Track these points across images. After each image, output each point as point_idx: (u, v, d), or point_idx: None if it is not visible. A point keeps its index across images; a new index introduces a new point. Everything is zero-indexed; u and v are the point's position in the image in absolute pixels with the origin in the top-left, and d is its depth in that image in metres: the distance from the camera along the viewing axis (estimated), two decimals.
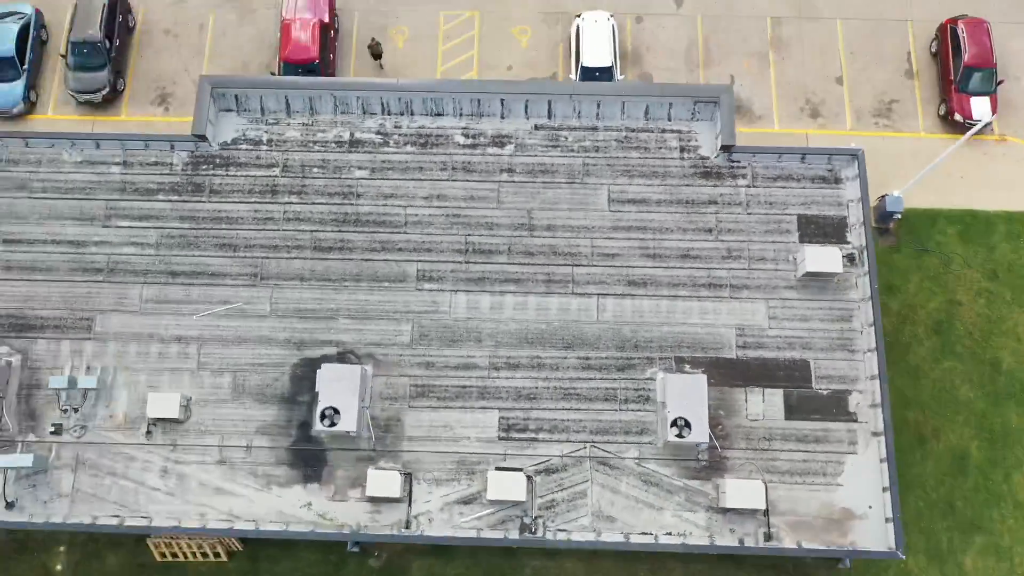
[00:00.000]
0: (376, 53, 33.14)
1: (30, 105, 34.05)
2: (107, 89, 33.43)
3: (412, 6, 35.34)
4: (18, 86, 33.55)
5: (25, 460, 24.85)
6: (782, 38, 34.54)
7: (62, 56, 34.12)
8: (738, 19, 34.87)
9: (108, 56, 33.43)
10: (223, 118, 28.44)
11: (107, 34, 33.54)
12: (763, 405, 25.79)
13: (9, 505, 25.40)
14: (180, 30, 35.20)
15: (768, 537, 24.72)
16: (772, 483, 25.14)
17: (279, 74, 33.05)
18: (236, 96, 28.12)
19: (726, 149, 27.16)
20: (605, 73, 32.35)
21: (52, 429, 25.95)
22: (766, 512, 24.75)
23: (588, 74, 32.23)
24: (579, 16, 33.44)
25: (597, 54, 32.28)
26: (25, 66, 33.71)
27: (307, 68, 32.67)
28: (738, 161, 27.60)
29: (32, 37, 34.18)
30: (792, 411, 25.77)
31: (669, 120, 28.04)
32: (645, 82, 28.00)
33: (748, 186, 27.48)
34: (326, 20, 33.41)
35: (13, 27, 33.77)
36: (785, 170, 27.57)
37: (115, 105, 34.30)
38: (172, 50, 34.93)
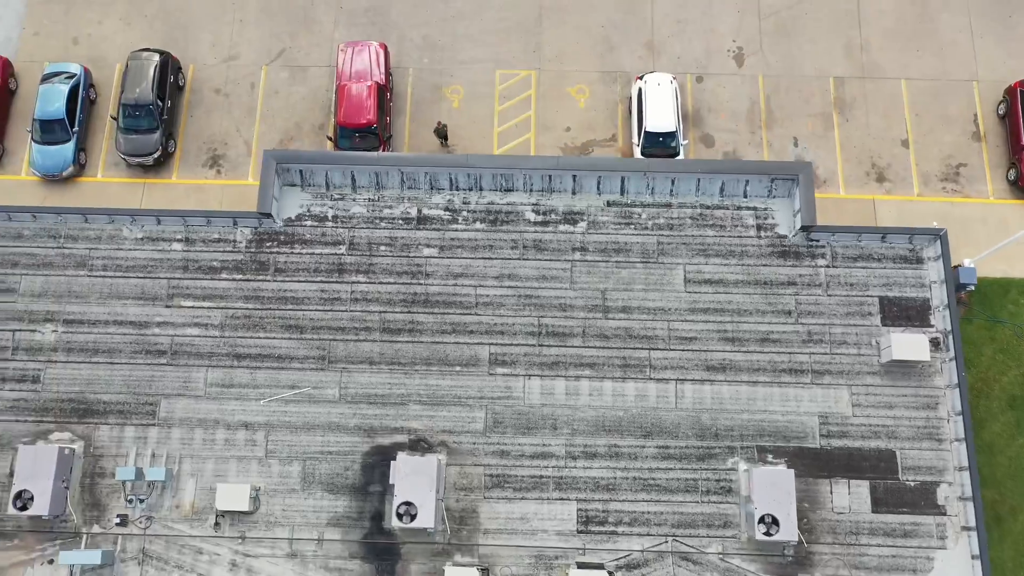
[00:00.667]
0: (442, 135, 32.47)
1: (79, 168, 33.37)
2: (159, 152, 32.73)
3: (467, 64, 34.68)
4: (68, 148, 32.87)
5: (93, 557, 24.15)
6: (845, 98, 33.89)
7: (113, 118, 33.41)
8: (800, 79, 34.23)
9: (160, 118, 32.73)
10: (287, 193, 27.75)
11: (159, 95, 32.85)
12: (849, 497, 25.16)
13: None
14: (231, 89, 34.51)
15: None
16: None
17: (335, 138, 32.39)
18: (301, 171, 27.46)
19: (805, 229, 26.56)
20: (669, 137, 31.70)
21: (118, 520, 25.25)
22: None
23: (652, 139, 31.58)
24: (641, 78, 32.75)
25: (661, 118, 31.62)
26: (75, 128, 33.02)
27: (364, 132, 31.99)
28: (817, 240, 26.96)
29: (81, 98, 33.49)
30: (879, 504, 25.11)
31: (745, 197, 27.39)
32: (722, 160, 27.40)
33: (828, 266, 26.83)
34: (382, 82, 32.72)
35: (63, 88, 33.07)
36: (865, 250, 26.94)
37: (166, 167, 33.60)
38: (223, 110, 34.24)
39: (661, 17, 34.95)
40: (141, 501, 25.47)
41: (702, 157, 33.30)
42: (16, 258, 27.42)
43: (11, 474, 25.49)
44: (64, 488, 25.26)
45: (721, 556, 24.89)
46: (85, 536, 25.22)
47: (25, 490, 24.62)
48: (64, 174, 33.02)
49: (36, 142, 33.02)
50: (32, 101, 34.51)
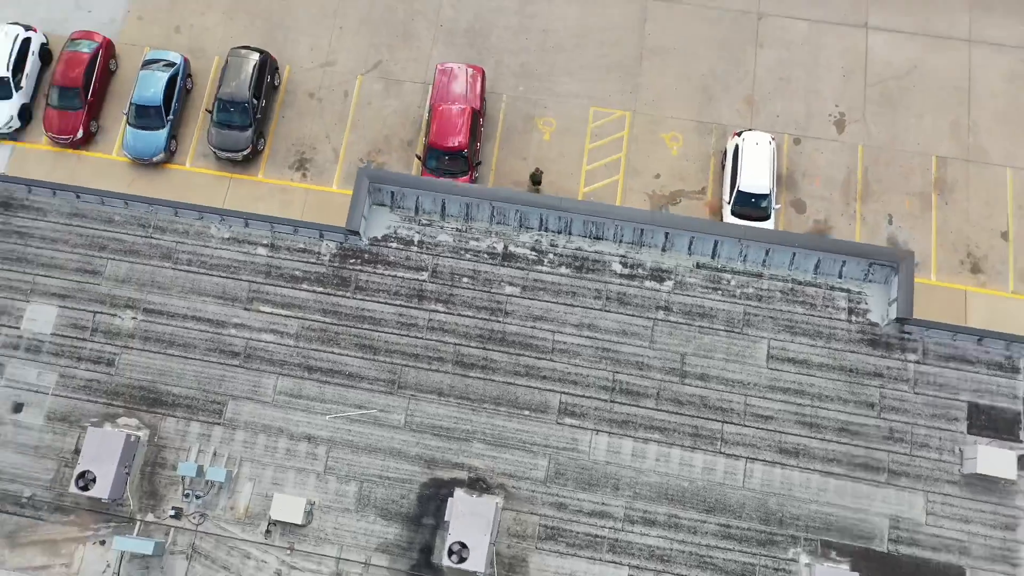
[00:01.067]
0: (537, 181, 32.12)
1: (169, 155, 33.66)
2: (249, 149, 32.88)
3: (562, 98, 34.35)
4: (161, 135, 33.15)
5: (146, 546, 24.28)
6: (946, 180, 32.98)
7: (207, 111, 33.66)
8: (901, 153, 33.36)
9: (253, 116, 32.87)
10: (375, 212, 27.65)
11: (254, 93, 33.00)
12: None
13: None
14: (324, 95, 34.57)
15: None
16: None
17: (424, 158, 32.27)
18: (392, 192, 27.36)
19: (900, 321, 25.81)
20: (762, 199, 31.05)
21: (172, 512, 25.40)
22: None
23: (744, 199, 30.97)
24: (739, 135, 32.15)
25: (756, 179, 31.00)
26: (170, 115, 33.30)
27: (454, 155, 31.82)
28: (909, 333, 26.22)
29: (179, 87, 33.77)
30: None
31: (840, 277, 26.71)
32: (822, 236, 26.73)
33: (918, 362, 26.03)
34: (476, 106, 32.52)
35: (162, 75, 33.38)
36: (959, 350, 26.09)
37: (254, 165, 33.77)
38: (314, 114, 34.32)
39: (764, 72, 34.30)
40: (198, 497, 25.60)
41: (793, 222, 32.62)
42: (105, 242, 27.71)
43: (76, 451, 25.89)
44: (125, 473, 25.48)
45: None
46: (139, 523, 25.41)
47: (88, 471, 24.91)
48: (154, 159, 33.33)
49: (131, 125, 33.36)
50: (130, 84, 34.90)
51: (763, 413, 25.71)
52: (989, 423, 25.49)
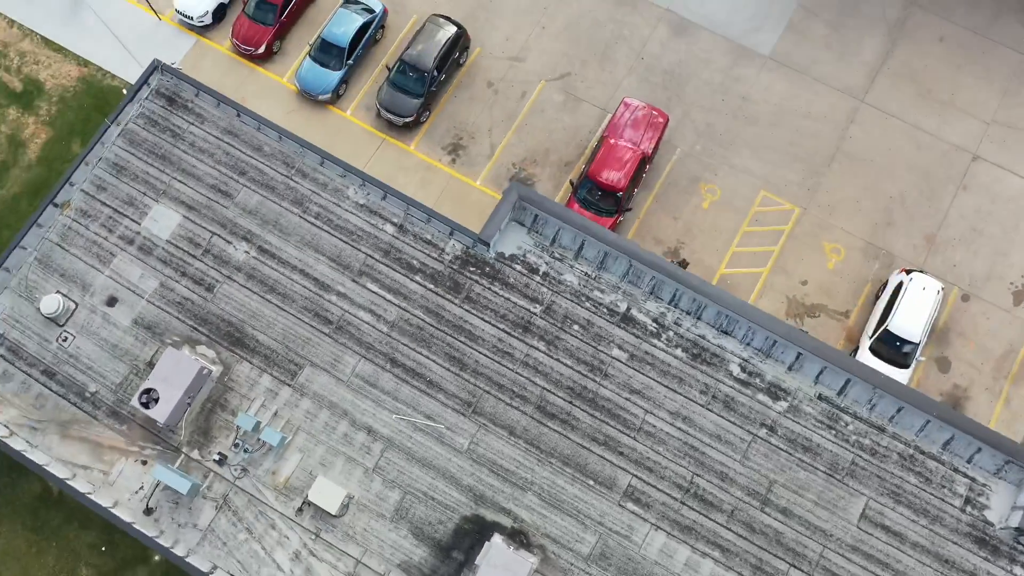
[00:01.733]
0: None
1: (336, 97, 33.48)
2: (413, 118, 32.34)
3: (736, 171, 32.46)
4: (336, 76, 32.91)
5: (183, 484, 24.02)
6: None
7: (387, 68, 33.30)
8: None
9: (428, 87, 32.29)
10: (511, 228, 26.61)
11: (438, 65, 32.41)
12: None
13: (148, 511, 24.87)
14: (502, 87, 33.72)
15: None
16: None
17: (576, 185, 31.03)
18: (535, 216, 26.27)
19: (1020, 531, 23.21)
20: (909, 345, 28.60)
21: (217, 458, 25.17)
22: None
23: (891, 339, 28.52)
24: (907, 272, 29.61)
25: (911, 324, 28.46)
26: (351, 60, 33.06)
27: (608, 193, 30.48)
28: None
29: (368, 34, 33.49)
30: None
31: (969, 462, 24.20)
32: (966, 417, 24.30)
33: None
34: (648, 153, 31.05)
35: (358, 18, 33.10)
36: None
37: (410, 133, 33.28)
38: (485, 104, 33.51)
39: (957, 216, 31.52)
40: (246, 451, 25.22)
41: (931, 379, 29.92)
42: (247, 168, 27.58)
43: (149, 364, 25.91)
44: (187, 403, 25.37)
45: None
46: (183, 456, 25.29)
47: (154, 389, 24.85)
48: (320, 97, 33.21)
49: (311, 57, 33.25)
50: (326, 16, 34.87)
51: (836, 572, 23.58)
52: None
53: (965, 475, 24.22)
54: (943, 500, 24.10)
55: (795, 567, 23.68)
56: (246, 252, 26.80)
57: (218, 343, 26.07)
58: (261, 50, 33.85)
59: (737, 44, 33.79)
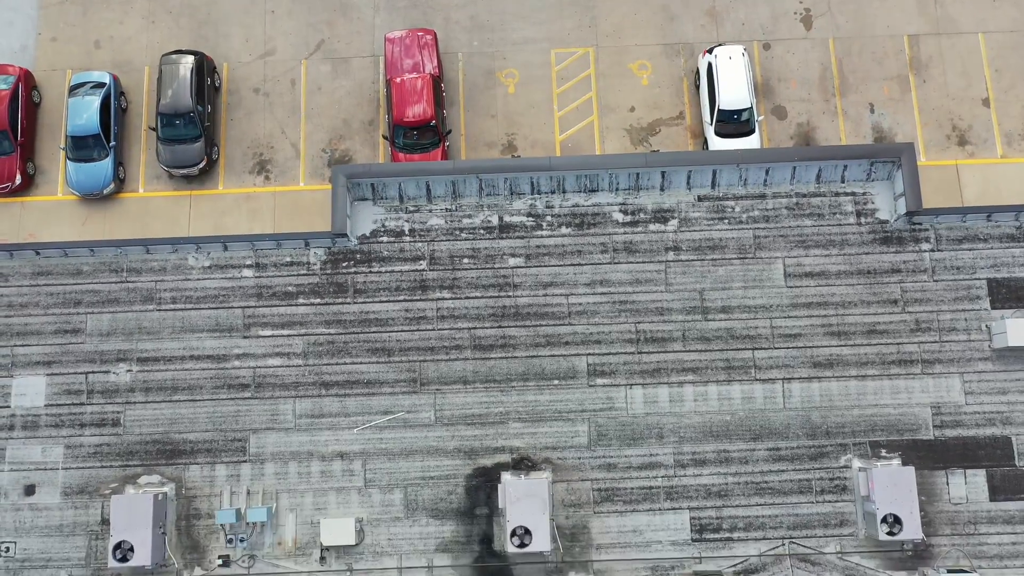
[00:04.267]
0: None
1: (119, 183, 31.36)
2: (203, 162, 30.72)
3: (519, 46, 32.59)
4: (106, 165, 30.73)
5: None
6: (921, 58, 32.20)
7: (151, 128, 31.35)
8: (872, 39, 32.36)
9: (202, 125, 30.69)
10: (359, 208, 26.25)
11: (197, 101, 30.75)
12: (965, 487, 24.66)
13: None
14: (270, 87, 32.39)
15: None
16: (981, 568, 24.21)
17: (391, 137, 30.58)
18: (372, 184, 25.92)
19: (910, 214, 25.39)
20: (745, 114, 30.08)
21: (220, 562, 24.53)
22: None
23: (727, 117, 29.75)
24: (710, 51, 30.82)
25: (736, 95, 29.74)
26: (111, 142, 30.95)
27: (422, 128, 30.17)
28: (919, 223, 25.85)
29: (113, 108, 31.31)
30: (996, 492, 24.65)
31: (843, 182, 26.12)
32: (820, 147, 25.97)
33: (932, 250, 25.76)
34: (435, 73, 30.72)
35: (94, 100, 30.82)
36: (970, 230, 25.87)
37: (211, 177, 31.73)
38: (264, 111, 32.20)
39: None
40: (242, 540, 24.68)
41: (776, 130, 31.65)
42: (79, 296, 26.01)
43: (103, 522, 24.70)
44: (162, 534, 24.43)
45: (840, 555, 24.51)
46: None
47: (124, 541, 23.79)
48: (104, 192, 31.08)
49: (71, 160, 30.88)
50: (59, 115, 32.35)
51: (791, 332, 25.38)
52: (1011, 295, 25.47)
53: (846, 194, 26.20)
54: (840, 225, 26.05)
55: (757, 348, 25.33)
56: (128, 371, 25.51)
57: (155, 465, 25.02)
58: (18, 181, 31.21)
59: None
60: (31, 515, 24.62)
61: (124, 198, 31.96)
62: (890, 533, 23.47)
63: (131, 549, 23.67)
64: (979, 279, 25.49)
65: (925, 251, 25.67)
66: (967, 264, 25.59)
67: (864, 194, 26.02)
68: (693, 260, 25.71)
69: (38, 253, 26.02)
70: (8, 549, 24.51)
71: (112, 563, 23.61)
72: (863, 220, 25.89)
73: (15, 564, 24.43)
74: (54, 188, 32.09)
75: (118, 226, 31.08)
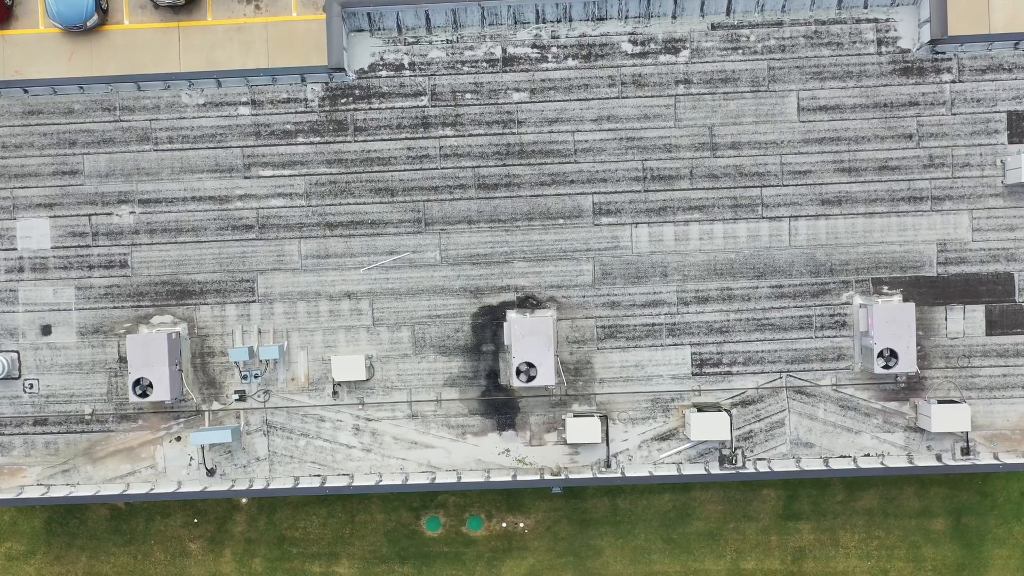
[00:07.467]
0: None
1: (103, 15, 29.71)
2: None
3: None
4: None
5: (224, 435, 24.58)
6: None
7: None
8: None
9: None
10: (356, 40, 24.95)
11: None
12: (963, 323, 25.03)
13: (210, 472, 25.59)
14: None
15: (966, 452, 25.09)
16: (970, 399, 25.05)
17: None
18: (369, 15, 24.50)
19: (933, 43, 24.07)
20: None
21: (236, 396, 25.50)
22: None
23: None
24: None
25: None
26: None
27: None
28: (943, 52, 24.58)
29: None
30: (993, 326, 25.04)
31: (865, 8, 24.55)
32: None
33: (953, 81, 24.67)
34: None
35: None
36: (996, 59, 24.62)
37: (199, 7, 29.98)
38: None
39: None
40: (256, 377, 25.54)
41: None
42: (73, 136, 25.35)
43: (120, 360, 25.48)
44: (178, 371, 25.25)
45: (835, 387, 25.33)
46: (207, 413, 25.65)
47: (143, 378, 24.63)
48: (88, 24, 29.54)
49: None
50: None
51: (800, 169, 24.87)
52: None
53: (868, 20, 24.75)
54: (860, 55, 24.81)
55: (765, 186, 24.92)
56: (131, 212, 25.33)
57: (166, 305, 25.44)
58: None
59: None
60: (50, 353, 25.36)
61: (109, 31, 30.41)
62: (885, 367, 24.12)
63: (150, 385, 24.54)
64: (999, 112, 24.57)
65: (946, 82, 24.62)
66: (988, 96, 24.58)
67: (887, 20, 24.56)
68: (704, 94, 24.76)
69: (26, 91, 25.13)
70: (32, 386, 25.46)
71: (133, 398, 24.61)
72: (883, 49, 24.63)
73: (40, 399, 25.45)
74: (35, 21, 30.42)
75: (106, 61, 29.75)
